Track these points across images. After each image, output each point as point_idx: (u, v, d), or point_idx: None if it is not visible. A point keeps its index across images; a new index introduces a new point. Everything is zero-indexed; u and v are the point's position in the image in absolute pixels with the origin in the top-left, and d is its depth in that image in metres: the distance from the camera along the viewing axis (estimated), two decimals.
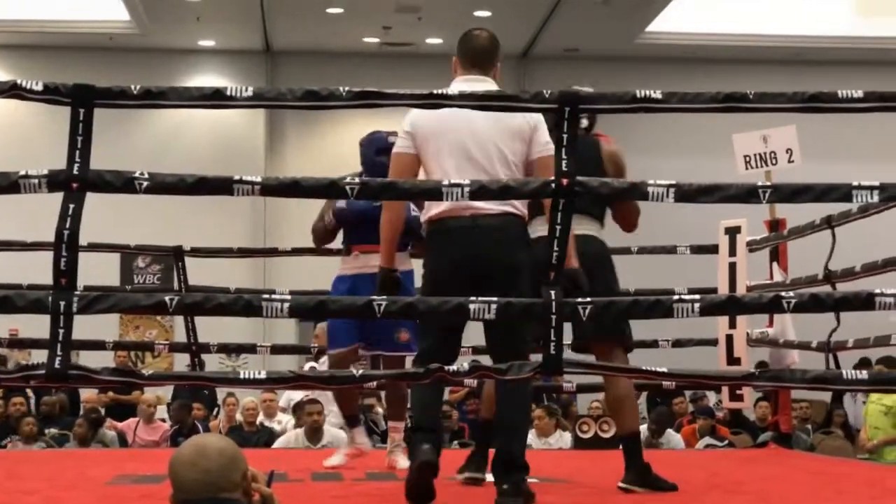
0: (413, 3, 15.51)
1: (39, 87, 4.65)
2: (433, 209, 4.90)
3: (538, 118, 4.95)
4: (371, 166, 6.17)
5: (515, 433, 4.83)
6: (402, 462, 5.99)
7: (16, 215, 11.57)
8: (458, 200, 4.72)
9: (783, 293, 4.97)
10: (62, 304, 4.52)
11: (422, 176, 4.98)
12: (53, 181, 4.62)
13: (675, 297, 4.90)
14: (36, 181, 4.62)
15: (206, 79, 16.85)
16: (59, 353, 4.53)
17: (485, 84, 4.98)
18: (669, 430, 9.85)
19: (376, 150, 6.25)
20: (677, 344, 8.58)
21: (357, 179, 4.77)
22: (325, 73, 16.08)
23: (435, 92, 4.80)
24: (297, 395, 10.05)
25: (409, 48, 17.27)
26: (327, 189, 4.79)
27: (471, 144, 4.89)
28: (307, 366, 11.63)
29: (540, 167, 4.89)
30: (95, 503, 4.80)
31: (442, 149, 4.89)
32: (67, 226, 4.55)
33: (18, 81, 4.68)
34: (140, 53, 16.87)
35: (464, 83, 4.99)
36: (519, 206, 4.90)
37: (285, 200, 14.97)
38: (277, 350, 9.22)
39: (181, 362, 13.92)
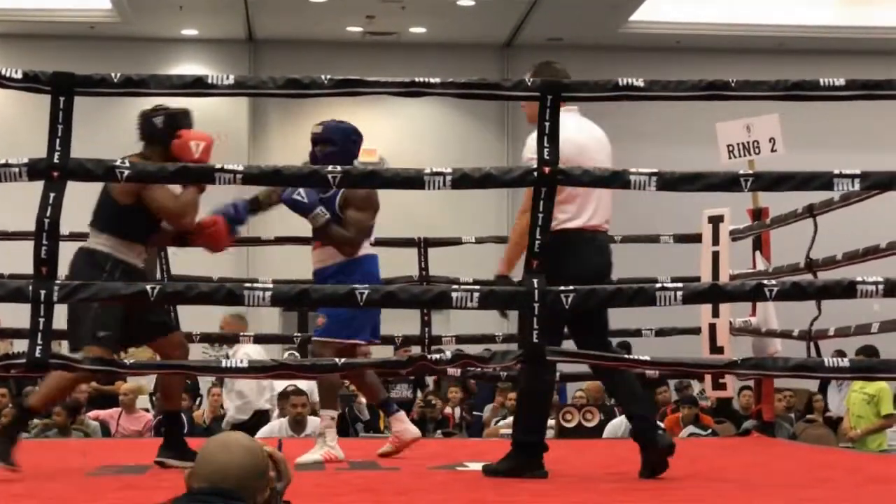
0: None
1: (19, 75, 4.64)
2: (593, 219, 5.17)
3: None
4: (345, 153, 5.90)
5: None
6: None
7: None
8: (439, 189, 4.73)
9: (766, 281, 5.00)
10: (42, 293, 4.51)
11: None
12: (34, 169, 4.61)
13: (658, 285, 4.91)
14: (16, 169, 4.61)
15: (188, 68, 16.79)
16: (39, 342, 4.52)
17: (577, 114, 5.35)
18: None
19: (348, 134, 6.06)
20: (660, 333, 8.59)
21: (339, 168, 4.76)
22: (309, 62, 16.04)
23: (417, 80, 4.80)
24: (279, 386, 10.04)
25: (393, 37, 17.25)
26: (309, 177, 4.79)
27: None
28: (286, 355, 11.62)
29: None
30: (78, 493, 4.78)
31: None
32: (48, 214, 4.54)
33: None
34: (122, 42, 16.80)
35: (573, 114, 5.26)
36: None
37: None
38: (260, 339, 9.21)
39: None
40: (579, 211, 5.16)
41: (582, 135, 5.27)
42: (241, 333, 9.05)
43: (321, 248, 6.07)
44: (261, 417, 9.94)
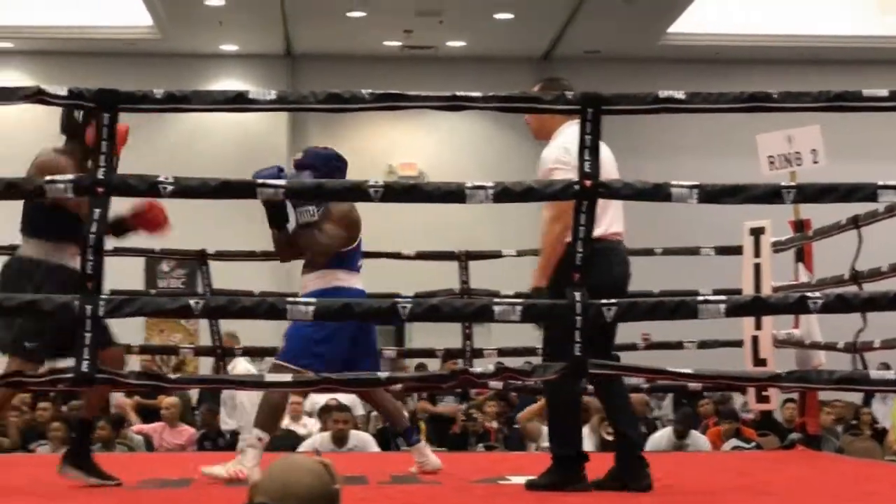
0: (434, 7, 15.50)
1: (64, 93, 4.68)
2: (612, 227, 5.13)
3: None
4: (328, 178, 5.53)
5: None
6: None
7: None
8: (481, 203, 4.74)
9: (809, 294, 4.95)
10: (89, 308, 4.54)
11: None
12: (79, 186, 4.65)
13: (701, 297, 4.89)
14: (62, 186, 4.65)
15: (227, 83, 16.90)
16: (86, 356, 4.55)
17: None
18: (694, 432, 9.81)
19: (329, 159, 5.95)
20: (703, 345, 8.55)
21: (381, 181, 4.77)
22: (347, 76, 16.11)
23: (458, 94, 4.81)
24: (321, 399, 10.05)
25: (431, 51, 17.28)
26: (350, 191, 4.80)
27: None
28: None
29: None
30: None
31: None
32: (93, 230, 4.57)
33: (43, 87, 4.71)
34: (162, 58, 16.92)
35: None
36: None
37: None
38: None
39: (205, 366, 13.96)
40: (599, 219, 4.99)
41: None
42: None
43: (305, 275, 5.86)
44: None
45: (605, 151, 5.12)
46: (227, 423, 10.33)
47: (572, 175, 4.82)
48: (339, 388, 5.39)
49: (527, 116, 5.31)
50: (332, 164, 5.81)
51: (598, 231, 4.97)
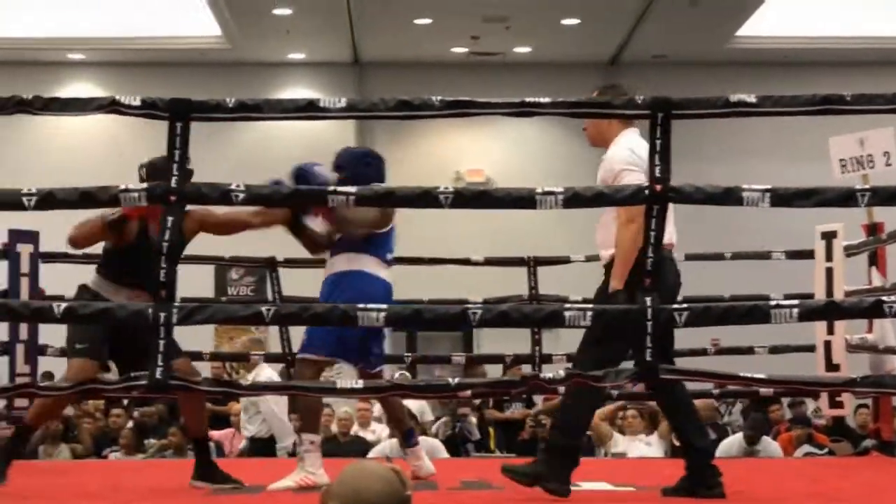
0: (501, 13, 15.50)
1: (137, 102, 4.74)
2: (670, 237, 5.02)
3: None
4: (356, 177, 5.55)
5: None
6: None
7: None
8: (551, 209, 4.74)
9: (885, 298, 4.90)
10: (162, 315, 4.59)
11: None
12: (153, 194, 4.70)
13: (773, 302, 4.85)
14: (136, 195, 4.71)
15: (295, 91, 16.98)
16: (160, 363, 4.60)
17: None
18: (766, 438, 9.73)
19: (359, 158, 5.99)
20: (774, 350, 8.48)
21: (450, 188, 4.78)
22: (414, 83, 16.11)
23: (527, 100, 4.81)
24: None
25: (498, 57, 17.27)
26: (421, 198, 4.81)
27: None
28: (396, 374, 11.66)
29: None
30: None
31: None
32: (167, 238, 4.62)
33: (117, 97, 4.77)
34: (231, 67, 17.05)
35: (637, 134, 5.16)
36: None
37: None
38: None
39: None
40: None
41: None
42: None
43: (332, 257, 5.87)
44: None
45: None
46: (247, 429, 10.38)
47: (642, 177, 4.82)
48: (412, 394, 5.41)
49: (585, 123, 5.29)
50: (363, 161, 5.86)
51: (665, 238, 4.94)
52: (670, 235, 5.06)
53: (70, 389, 4.93)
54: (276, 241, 10.78)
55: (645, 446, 9.83)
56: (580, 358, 5.06)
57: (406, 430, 6.17)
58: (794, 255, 8.50)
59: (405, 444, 6.14)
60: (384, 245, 5.81)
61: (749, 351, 8.47)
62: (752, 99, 4.74)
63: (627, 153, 5.07)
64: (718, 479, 5.06)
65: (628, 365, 4.79)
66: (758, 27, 16.25)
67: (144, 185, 4.73)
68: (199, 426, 5.81)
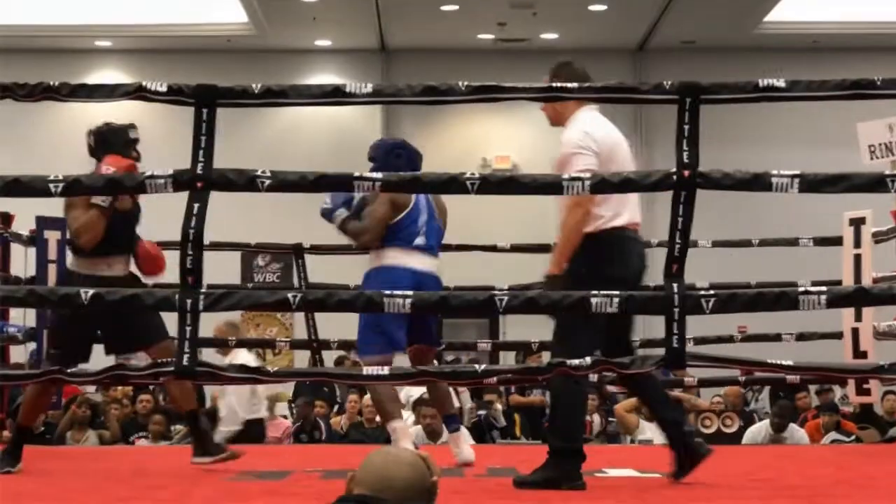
0: None
1: (164, 89, 4.73)
2: (621, 218, 5.01)
3: None
4: (386, 167, 5.84)
5: None
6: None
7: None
8: (578, 194, 4.72)
9: None
10: (189, 301, 4.59)
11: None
12: (179, 181, 4.70)
13: (801, 289, 4.83)
14: (162, 181, 4.71)
15: (322, 78, 16.98)
16: (186, 350, 4.61)
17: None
18: (793, 425, 9.70)
19: (389, 149, 6.16)
20: (801, 338, 8.45)
21: (476, 174, 4.77)
22: (440, 70, 16.08)
23: (554, 85, 4.79)
24: (416, 392, 10.08)
25: (524, 44, 17.23)
26: (447, 184, 4.80)
27: (629, 166, 5.10)
28: None
29: None
30: (222, 498, 4.86)
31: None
32: (193, 225, 4.62)
33: (143, 83, 4.77)
34: (258, 54, 17.06)
35: (596, 112, 5.21)
36: None
37: None
38: None
39: (300, 359, 14.07)
40: (620, 208, 5.02)
41: (614, 133, 5.21)
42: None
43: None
44: (253, 427, 9.65)
45: (618, 136, 5.18)
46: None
47: (593, 160, 4.92)
48: (437, 378, 5.41)
49: (543, 105, 5.25)
50: (393, 152, 6.03)
51: (621, 220, 5.02)
52: (633, 215, 5.09)
53: (97, 376, 4.94)
54: (302, 227, 10.82)
55: None
56: (559, 348, 5.03)
57: (448, 415, 6.24)
58: (822, 241, 8.45)
59: (448, 429, 6.25)
60: (405, 232, 5.95)
61: (776, 338, 8.44)
62: (781, 84, 4.70)
63: (579, 135, 5.05)
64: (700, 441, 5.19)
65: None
66: (786, 12, 16.16)
67: (170, 170, 4.72)
68: (188, 400, 5.84)
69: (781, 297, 4.73)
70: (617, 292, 4.61)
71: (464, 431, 6.00)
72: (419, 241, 5.95)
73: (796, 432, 9.61)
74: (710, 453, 5.10)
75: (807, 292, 4.71)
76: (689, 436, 5.14)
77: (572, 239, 4.93)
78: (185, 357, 4.60)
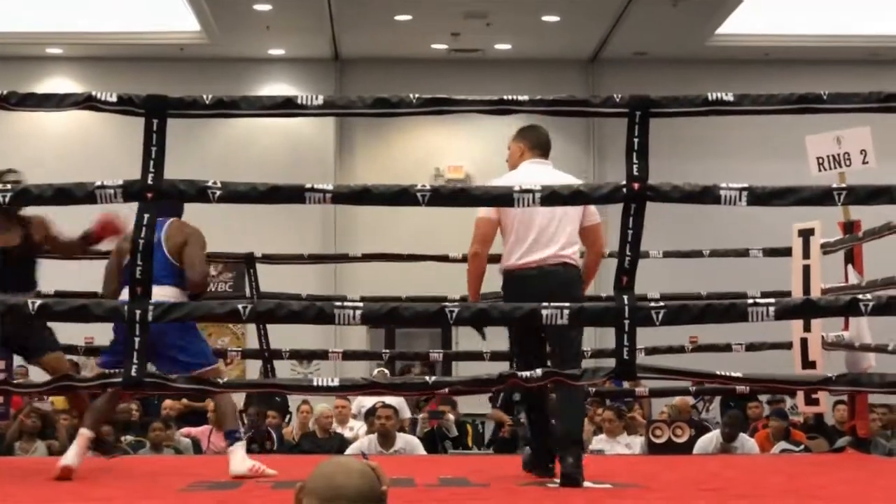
0: (481, 9, 15.50)
1: (114, 99, 4.72)
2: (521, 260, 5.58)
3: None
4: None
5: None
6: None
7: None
8: (528, 207, 4.76)
9: (860, 296, 4.91)
10: (138, 312, 4.57)
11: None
12: (129, 191, 4.68)
13: (750, 300, 4.86)
14: (112, 191, 4.69)
15: (276, 87, 16.96)
16: (135, 361, 4.58)
17: (548, 166, 5.84)
18: (743, 435, 9.75)
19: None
20: (751, 348, 8.51)
21: (427, 186, 4.77)
22: (394, 79, 16.12)
23: (505, 98, 4.81)
24: (368, 402, 10.08)
25: (478, 54, 17.27)
26: (398, 196, 4.81)
27: (547, 214, 5.53)
28: (375, 371, 11.65)
29: (594, 233, 5.72)
30: None
31: (531, 220, 5.53)
32: (143, 235, 4.60)
33: (93, 93, 4.75)
34: (211, 63, 17.01)
35: (537, 164, 5.81)
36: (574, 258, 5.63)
37: (355, 207, 15.02)
38: (349, 356, 9.24)
39: (252, 369, 14.02)
40: (525, 250, 5.60)
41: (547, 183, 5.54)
42: (331, 350, 9.08)
43: None
44: None
45: (539, 179, 5.40)
46: None
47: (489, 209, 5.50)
48: (390, 392, 5.41)
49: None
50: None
51: (523, 261, 5.56)
52: (543, 255, 5.56)
53: (46, 386, 4.91)
54: (253, 238, 10.78)
55: (624, 448, 9.86)
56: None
57: (228, 430, 6.16)
58: (771, 252, 8.51)
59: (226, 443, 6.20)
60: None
61: (726, 348, 8.49)
62: (729, 97, 4.74)
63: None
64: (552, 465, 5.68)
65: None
66: (738, 25, 16.29)
67: (120, 181, 4.70)
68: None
69: (730, 309, 4.77)
70: (567, 304, 4.63)
71: (237, 446, 5.99)
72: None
73: (746, 442, 9.66)
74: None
75: (755, 304, 4.75)
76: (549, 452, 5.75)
77: (470, 274, 5.71)
78: (134, 368, 4.58)
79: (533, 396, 5.78)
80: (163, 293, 5.47)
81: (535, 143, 5.89)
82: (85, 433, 5.86)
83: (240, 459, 5.93)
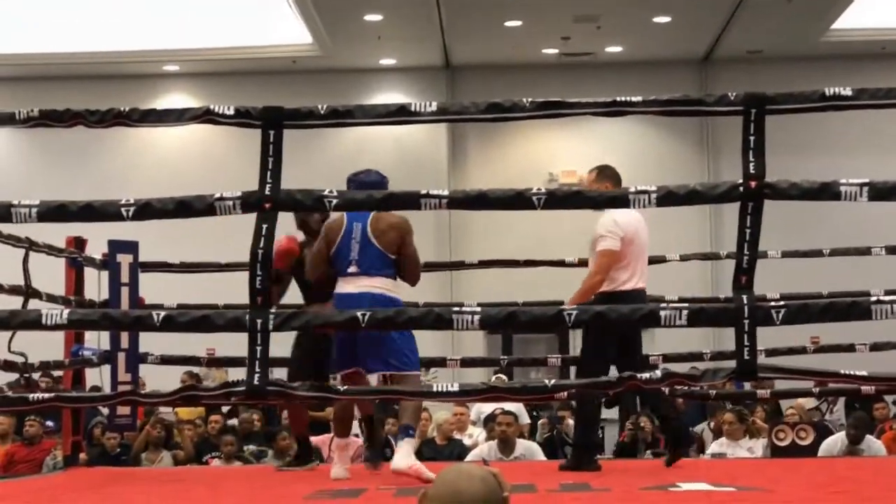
0: (592, 13, 15.44)
1: (231, 112, 4.79)
2: (627, 284, 6.31)
3: None
4: None
5: None
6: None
7: (210, 236, 11.83)
8: (644, 207, 4.74)
9: None
10: (259, 321, 4.63)
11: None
12: (247, 202, 4.74)
13: (874, 298, 4.77)
14: (230, 203, 4.75)
15: (388, 96, 17.07)
16: (257, 369, 4.64)
17: None
18: (870, 437, 9.58)
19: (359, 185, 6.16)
20: (875, 348, 8.35)
21: (543, 189, 4.77)
22: (505, 86, 16.14)
23: (618, 99, 4.79)
24: (487, 409, 10.07)
25: (589, 58, 17.20)
26: (514, 200, 4.81)
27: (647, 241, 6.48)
28: (493, 378, 11.64)
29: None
30: None
31: (639, 251, 6.38)
32: (262, 245, 4.66)
33: (211, 107, 4.82)
34: (323, 74, 17.18)
35: None
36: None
37: (470, 213, 15.05)
38: (467, 363, 9.25)
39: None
40: (633, 276, 6.30)
41: (635, 218, 6.39)
42: (449, 357, 9.10)
43: None
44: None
45: (639, 219, 6.36)
46: None
47: (616, 242, 6.23)
48: (509, 397, 5.41)
49: (588, 181, 6.47)
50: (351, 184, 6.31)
51: (629, 284, 6.24)
52: (640, 280, 6.33)
53: (171, 397, 4.99)
54: None
55: (746, 452, 9.73)
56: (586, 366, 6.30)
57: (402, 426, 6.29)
58: (893, 250, 8.35)
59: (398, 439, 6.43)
60: (339, 263, 6.12)
61: (850, 349, 8.34)
62: (847, 92, 4.66)
63: (609, 222, 6.28)
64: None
65: None
66: (853, 19, 16.00)
67: (239, 192, 4.77)
68: (300, 422, 7.00)
69: (853, 307, 4.69)
70: (686, 305, 4.59)
71: (406, 442, 6.06)
72: (352, 269, 6.09)
73: (873, 444, 9.49)
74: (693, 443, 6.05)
75: (879, 301, 4.66)
76: (678, 430, 6.56)
77: (586, 296, 6.19)
78: (256, 377, 4.63)
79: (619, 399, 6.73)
80: (375, 284, 5.93)
81: (618, 181, 6.34)
82: (339, 442, 6.70)
83: (405, 455, 6.01)
